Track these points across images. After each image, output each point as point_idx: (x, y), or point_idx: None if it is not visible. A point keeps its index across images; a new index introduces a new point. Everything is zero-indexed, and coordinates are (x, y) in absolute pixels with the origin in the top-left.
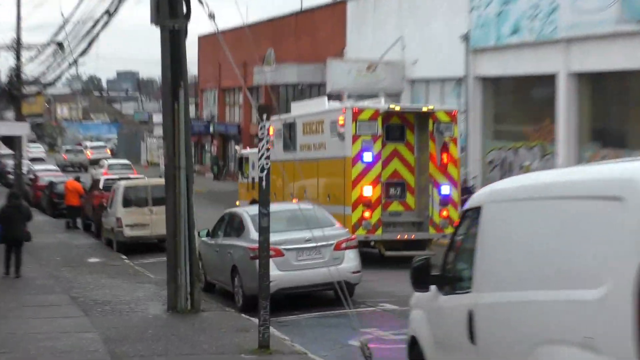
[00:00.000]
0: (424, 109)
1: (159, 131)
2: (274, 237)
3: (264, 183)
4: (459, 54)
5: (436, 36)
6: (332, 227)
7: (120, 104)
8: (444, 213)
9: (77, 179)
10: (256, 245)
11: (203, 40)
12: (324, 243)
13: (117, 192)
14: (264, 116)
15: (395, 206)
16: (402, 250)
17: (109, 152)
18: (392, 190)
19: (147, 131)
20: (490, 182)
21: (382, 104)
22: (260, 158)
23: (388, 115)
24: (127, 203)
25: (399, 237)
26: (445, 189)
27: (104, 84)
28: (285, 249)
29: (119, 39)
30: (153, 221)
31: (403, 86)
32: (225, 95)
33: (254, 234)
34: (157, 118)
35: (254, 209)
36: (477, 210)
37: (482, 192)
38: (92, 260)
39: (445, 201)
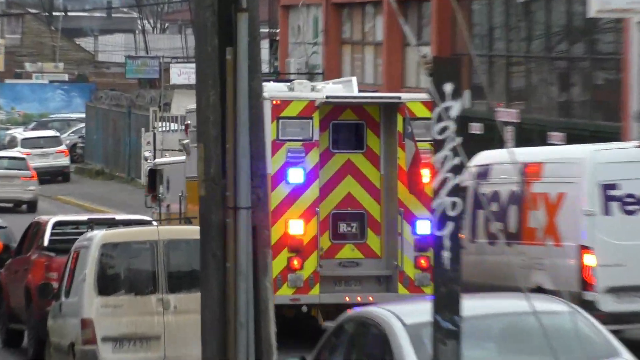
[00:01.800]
0: (387, 99)
1: (182, 107)
2: None
3: (446, 259)
4: None
5: None
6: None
7: (95, 39)
8: (422, 262)
9: None
10: None
11: None
12: None
13: (85, 256)
14: (449, 87)
15: (348, 251)
16: None
17: (66, 155)
18: (343, 227)
19: (157, 106)
20: None
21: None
22: (436, 194)
23: (336, 109)
24: (107, 284)
25: (347, 299)
26: (424, 225)
27: None
28: None
29: None
30: (169, 329)
31: None
32: (343, 20)
33: None
34: (180, 74)
35: (413, 310)
36: None
37: None
38: None
39: (423, 244)
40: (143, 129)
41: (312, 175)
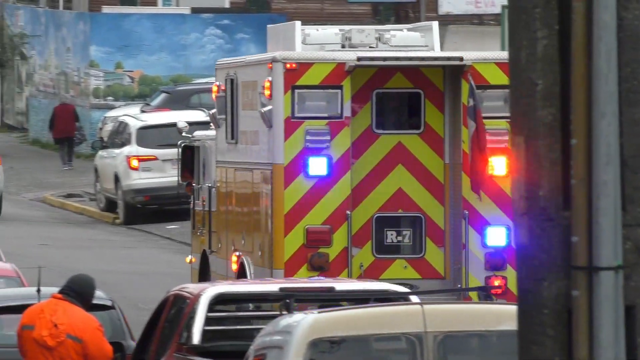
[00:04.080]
0: (443, 61)
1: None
2: None
3: None
4: None
5: None
6: None
7: None
8: (496, 284)
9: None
10: None
11: None
12: None
13: None
14: None
15: (399, 270)
16: None
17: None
18: (391, 236)
19: None
20: None
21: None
22: None
23: (382, 73)
24: None
25: None
26: (497, 234)
27: None
28: None
29: None
30: None
31: None
32: None
33: None
34: None
35: None
36: None
37: None
38: None
39: (497, 259)
40: None
41: (341, 165)
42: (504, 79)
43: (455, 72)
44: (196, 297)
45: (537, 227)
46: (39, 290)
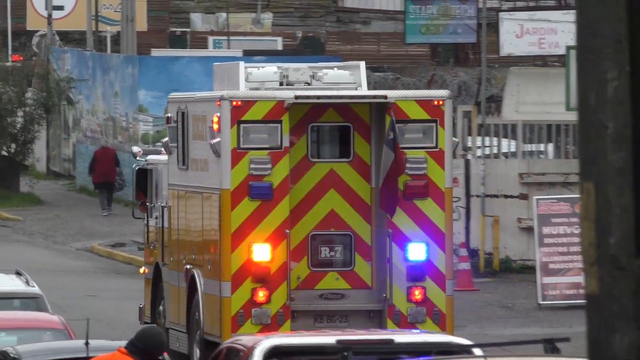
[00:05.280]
0: (369, 99)
1: (526, 104)
2: None
3: None
4: None
5: None
6: None
7: None
8: (416, 294)
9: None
10: None
11: None
12: None
13: None
14: None
15: (331, 281)
16: None
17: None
18: (325, 251)
19: (473, 103)
20: None
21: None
22: None
23: (316, 109)
24: None
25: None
26: (417, 249)
27: None
28: None
29: None
30: None
31: None
32: None
33: None
34: (522, 34)
35: None
36: None
37: None
38: None
39: (416, 272)
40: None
41: (281, 190)
42: (423, 114)
43: (380, 108)
44: (250, 350)
45: (607, 275)
46: (87, 343)
